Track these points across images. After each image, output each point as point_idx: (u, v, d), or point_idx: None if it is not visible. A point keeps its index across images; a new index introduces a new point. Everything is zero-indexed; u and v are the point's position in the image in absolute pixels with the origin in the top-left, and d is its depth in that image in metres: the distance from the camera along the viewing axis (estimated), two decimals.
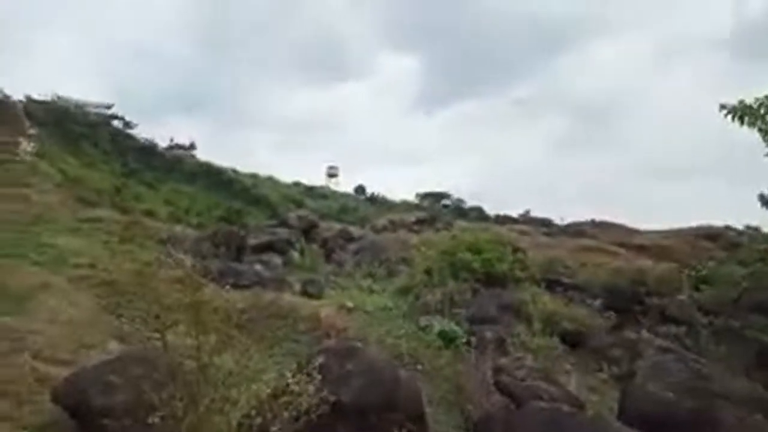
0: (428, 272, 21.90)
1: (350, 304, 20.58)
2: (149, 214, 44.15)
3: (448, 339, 15.92)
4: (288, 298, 18.97)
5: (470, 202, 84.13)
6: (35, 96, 62.80)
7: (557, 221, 55.85)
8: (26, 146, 54.68)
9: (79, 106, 66.34)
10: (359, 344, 11.52)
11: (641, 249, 32.47)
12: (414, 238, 32.97)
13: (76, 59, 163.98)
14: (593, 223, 48.33)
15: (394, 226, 40.86)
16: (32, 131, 58.77)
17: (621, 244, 33.27)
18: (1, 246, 21.40)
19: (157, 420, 7.98)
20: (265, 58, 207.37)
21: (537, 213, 68.74)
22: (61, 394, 10.08)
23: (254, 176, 77.21)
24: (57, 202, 38.43)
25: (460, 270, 20.34)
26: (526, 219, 65.38)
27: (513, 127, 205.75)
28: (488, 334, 15.63)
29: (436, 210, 67.57)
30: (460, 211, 78.22)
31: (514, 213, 72.56)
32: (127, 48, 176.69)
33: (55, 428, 10.46)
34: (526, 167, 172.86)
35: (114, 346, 14.90)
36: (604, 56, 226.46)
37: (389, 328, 17.78)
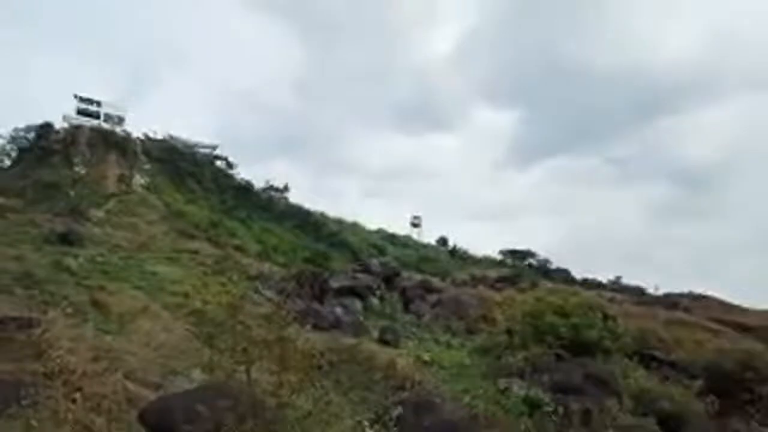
0: (510, 333, 21.15)
1: (427, 357, 20.23)
2: (240, 249, 46.42)
3: (532, 405, 15.05)
4: (366, 344, 18.95)
5: (556, 263, 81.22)
6: (151, 134, 69.06)
7: (651, 291, 52.48)
8: (139, 180, 60.09)
9: (188, 146, 72.00)
10: (437, 400, 11.20)
11: (746, 329, 29.68)
12: (496, 296, 32.23)
13: (190, 102, 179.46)
14: (691, 296, 44.90)
15: (475, 281, 40.17)
16: (146, 166, 64.63)
17: (721, 321, 30.63)
18: (109, 269, 23.33)
19: None
20: (362, 108, 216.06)
21: (628, 281, 65.00)
22: (147, 416, 10.47)
23: (340, 221, 79.29)
24: (160, 233, 41.55)
25: (544, 334, 19.39)
26: (616, 286, 61.88)
27: (607, 188, 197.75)
28: (574, 405, 14.64)
29: (520, 269, 65.57)
30: (544, 271, 75.40)
31: (603, 278, 68.96)
32: (235, 93, 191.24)
33: None
34: (618, 231, 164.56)
35: (197, 375, 15.47)
36: (712, 119, 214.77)
37: (467, 387, 17.19)
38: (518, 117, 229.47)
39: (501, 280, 40.76)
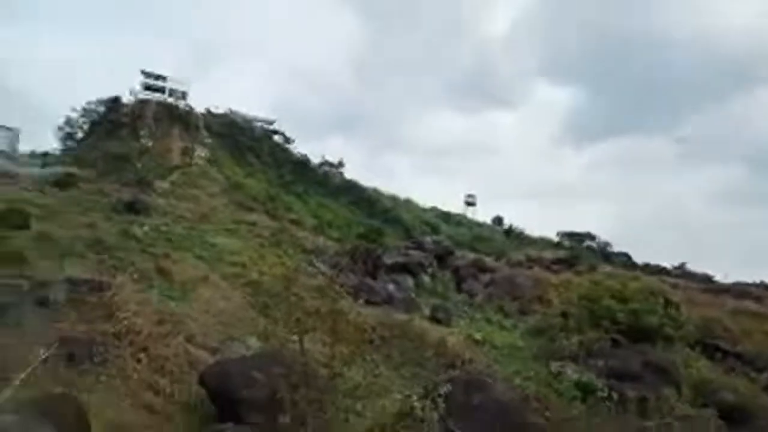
0: (565, 315, 20.72)
1: (478, 336, 20.15)
2: (296, 223, 47.38)
3: (585, 390, 14.73)
4: (417, 321, 19.05)
5: (616, 247, 78.52)
6: (213, 109, 70.87)
7: (719, 279, 49.95)
8: (201, 153, 62.09)
9: (248, 121, 73.49)
10: (488, 379, 11.14)
11: None
12: (552, 278, 31.56)
13: (250, 79, 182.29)
14: (762, 286, 42.51)
15: (530, 262, 39.39)
16: (207, 140, 66.60)
17: None
18: (173, 239, 24.34)
19: (287, 420, 8.36)
20: (419, 84, 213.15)
21: (694, 267, 62.03)
22: (207, 379, 10.95)
23: (394, 198, 79.33)
24: (220, 205, 42.92)
25: (601, 318, 18.87)
26: (681, 272, 59.18)
27: (673, 170, 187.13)
28: (630, 392, 14.23)
29: (578, 251, 63.67)
30: (604, 254, 73.01)
31: (667, 264, 66.11)
32: (293, 71, 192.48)
33: (199, 409, 11.44)
34: (685, 215, 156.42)
35: (253, 342, 16.01)
36: None
37: (518, 368, 17.03)
38: (578, 93, 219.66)
39: (558, 261, 39.79)
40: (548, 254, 45.57)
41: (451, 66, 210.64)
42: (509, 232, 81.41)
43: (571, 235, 78.95)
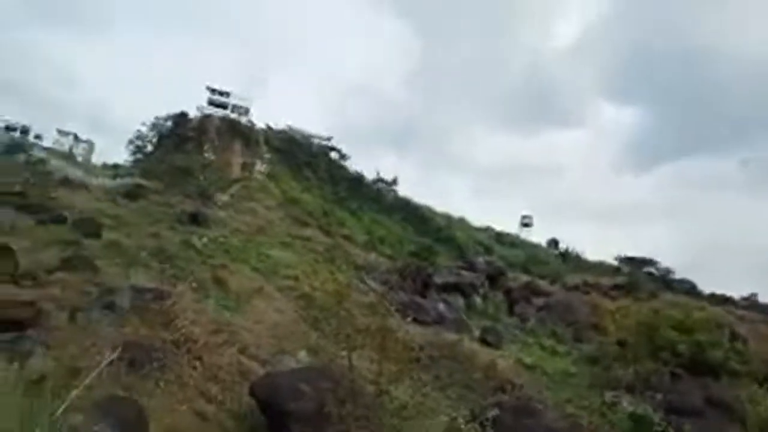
0: (622, 344, 19.99)
1: (529, 361, 19.71)
2: (349, 239, 47.88)
3: (640, 423, 14.13)
4: (467, 342, 18.85)
5: (679, 274, 74.72)
6: (273, 125, 73.10)
7: None
8: (260, 168, 64.03)
9: (306, 137, 75.30)
10: (538, 405, 10.89)
11: None
12: (609, 304, 30.44)
13: (308, 95, 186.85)
14: None
15: (587, 287, 38.20)
16: (267, 155, 68.66)
17: None
18: (230, 250, 25.17)
19: None
20: (475, 102, 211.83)
21: (765, 299, 58.19)
22: (257, 390, 11.22)
23: (447, 216, 78.81)
24: (277, 219, 43.98)
25: (660, 348, 18.09)
26: (749, 303, 55.71)
27: (741, 194, 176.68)
28: (689, 428, 13.54)
29: (638, 277, 61.06)
30: (665, 282, 69.51)
31: (735, 294, 62.34)
32: (349, 87, 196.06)
33: (248, 419, 11.73)
34: (754, 241, 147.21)
35: (303, 356, 16.29)
36: None
37: (570, 396, 16.55)
38: (642, 114, 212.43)
39: (616, 287, 38.41)
40: (606, 280, 44.09)
41: (508, 83, 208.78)
42: (565, 255, 79.09)
43: (630, 260, 75.74)
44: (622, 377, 17.78)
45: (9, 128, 60.02)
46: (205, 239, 25.01)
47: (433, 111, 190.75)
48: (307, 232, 40.26)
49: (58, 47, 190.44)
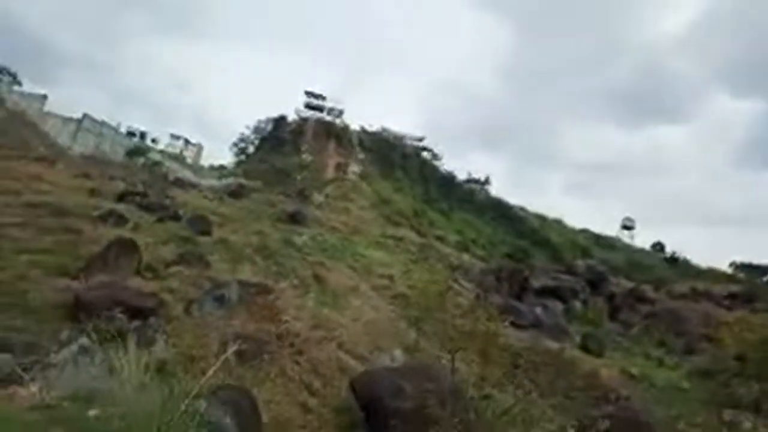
0: (741, 359, 18.33)
1: (635, 372, 18.62)
2: (440, 239, 47.75)
3: None
4: (567, 349, 18.12)
5: None
6: (366, 127, 74.60)
7: None
8: (354, 169, 65.56)
9: (398, 138, 76.15)
10: (649, 420, 10.25)
11: None
12: (724, 315, 28.13)
13: (402, 95, 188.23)
14: None
15: (697, 295, 35.44)
16: (360, 156, 70.21)
17: None
18: (327, 248, 25.94)
19: None
20: (574, 97, 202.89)
21: None
22: (357, 386, 11.44)
23: (542, 217, 76.43)
24: (370, 219, 44.79)
25: None
26: None
27: None
28: None
29: (757, 286, 55.79)
30: None
31: None
32: (441, 85, 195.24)
33: (348, 413, 11.97)
34: None
35: (399, 354, 16.40)
36: None
37: (682, 412, 15.39)
38: (762, 107, 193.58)
39: (731, 296, 35.29)
40: (719, 288, 40.63)
41: (612, 74, 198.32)
42: (672, 260, 73.87)
43: (748, 268, 69.36)
44: (742, 395, 16.30)
45: (130, 133, 65.76)
46: (304, 237, 25.95)
47: (529, 108, 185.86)
48: (400, 232, 40.62)
49: (172, 56, 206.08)
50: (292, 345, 14.02)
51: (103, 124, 53.11)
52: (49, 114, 47.90)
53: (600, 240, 78.44)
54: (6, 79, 47.15)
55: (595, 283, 30.65)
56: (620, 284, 33.42)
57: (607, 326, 26.02)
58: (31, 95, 47.97)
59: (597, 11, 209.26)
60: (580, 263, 35.19)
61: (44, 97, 49.00)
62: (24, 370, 7.23)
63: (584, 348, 20.12)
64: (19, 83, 48.68)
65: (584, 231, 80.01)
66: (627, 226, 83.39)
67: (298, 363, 13.33)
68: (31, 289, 11.93)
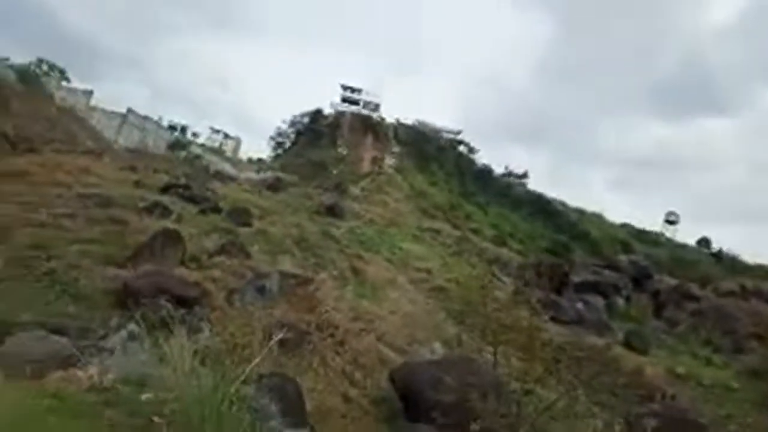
0: None
1: (681, 370, 18.08)
2: (476, 232, 47.34)
3: None
4: (611, 345, 17.72)
5: None
6: (402, 120, 74.34)
7: None
8: (389, 161, 65.54)
9: (434, 131, 75.62)
10: (701, 420, 9.94)
11: None
12: None
13: (439, 88, 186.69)
14: None
15: (746, 293, 34.11)
16: (395, 149, 70.10)
17: None
18: (365, 241, 26.04)
19: (476, 428, 8.35)
20: (614, 89, 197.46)
21: None
22: (397, 377, 11.47)
23: (582, 211, 74.76)
24: (406, 211, 44.75)
25: None
26: None
27: None
28: None
29: None
30: None
31: None
32: (480, 80, 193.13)
33: (387, 404, 12.02)
34: None
35: (438, 347, 16.36)
36: None
37: (731, 412, 14.89)
38: None
39: None
40: None
41: (655, 66, 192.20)
42: (718, 256, 71.28)
43: None
44: None
45: (171, 127, 67.39)
46: (342, 230, 26.11)
47: (569, 102, 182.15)
48: (436, 225, 40.44)
49: (212, 51, 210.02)
50: (332, 336, 14.15)
51: (146, 118, 54.58)
52: (95, 109, 49.53)
53: (642, 235, 76.25)
54: (55, 75, 48.83)
55: (639, 279, 29.85)
56: (664, 281, 32.43)
57: (652, 324, 25.34)
58: (78, 91, 49.67)
59: (642, 3, 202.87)
60: (623, 258, 34.31)
61: (90, 92, 50.68)
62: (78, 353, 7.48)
63: (628, 345, 19.66)
64: (68, 79, 50.35)
65: (625, 225, 77.95)
66: (671, 221, 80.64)
67: (338, 354, 13.45)
68: (81, 277, 12.36)
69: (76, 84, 51.79)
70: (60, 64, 50.05)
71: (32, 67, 45.97)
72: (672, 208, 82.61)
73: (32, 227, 14.22)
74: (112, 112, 50.76)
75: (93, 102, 50.15)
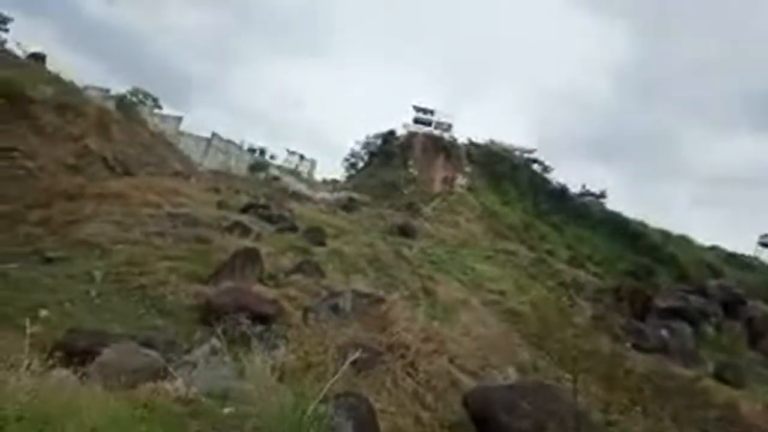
0: None
1: None
2: (551, 254, 45.81)
3: None
4: (702, 377, 16.55)
5: None
6: (474, 140, 73.83)
7: None
8: (461, 181, 65.09)
9: (507, 150, 74.45)
10: None
11: None
12: None
13: (513, 107, 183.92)
14: None
15: None
16: (467, 169, 69.59)
17: None
18: (437, 261, 25.95)
19: None
20: (700, 102, 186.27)
21: None
22: (471, 401, 11.26)
23: (665, 233, 70.63)
24: (478, 232, 44.17)
25: None
26: None
27: None
28: None
29: None
30: None
31: None
32: (553, 94, 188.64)
33: (459, 428, 11.81)
34: None
35: (511, 372, 15.90)
36: None
37: None
38: None
39: None
40: None
41: (745, 75, 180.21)
42: None
43: None
44: None
45: (251, 150, 70.54)
46: (414, 250, 26.16)
47: (649, 116, 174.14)
48: (509, 246, 39.59)
49: (289, 74, 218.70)
50: (403, 356, 14.13)
51: (229, 142, 57.60)
52: (183, 134, 52.90)
53: (733, 258, 70.86)
54: (149, 103, 52.74)
55: (729, 305, 27.68)
56: (758, 308, 29.92)
57: (746, 354, 23.42)
58: (169, 117, 53.35)
59: (725, 4, 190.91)
60: (712, 283, 31.99)
61: (180, 118, 54.26)
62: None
63: (719, 377, 18.23)
64: (159, 107, 54.23)
65: (714, 248, 72.75)
66: (765, 243, 74.61)
67: (410, 375, 13.38)
68: (168, 293, 13.12)
69: (168, 110, 55.67)
70: (152, 92, 54.03)
71: (129, 96, 49.83)
72: (767, 231, 76.31)
73: (126, 245, 15.28)
74: (199, 137, 53.97)
75: (182, 127, 53.60)
